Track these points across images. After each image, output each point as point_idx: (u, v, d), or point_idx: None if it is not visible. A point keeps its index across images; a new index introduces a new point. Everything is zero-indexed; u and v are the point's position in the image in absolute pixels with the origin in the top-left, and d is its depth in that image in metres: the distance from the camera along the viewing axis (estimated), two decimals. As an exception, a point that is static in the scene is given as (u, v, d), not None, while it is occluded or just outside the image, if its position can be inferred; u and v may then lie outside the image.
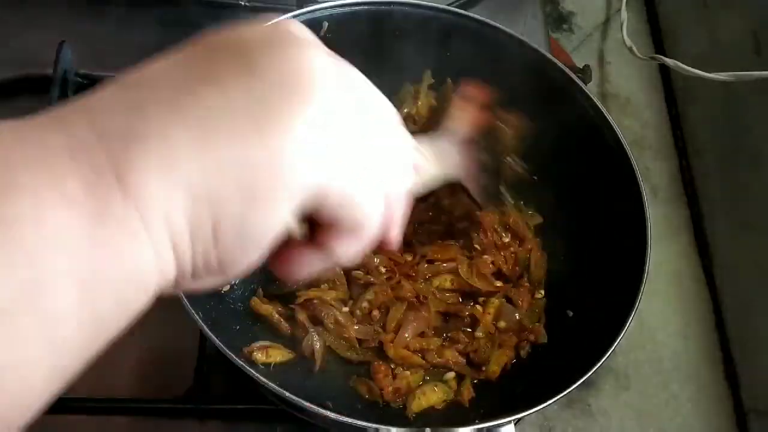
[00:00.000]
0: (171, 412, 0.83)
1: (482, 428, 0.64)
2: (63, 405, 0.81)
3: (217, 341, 0.66)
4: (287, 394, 0.64)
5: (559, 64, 0.85)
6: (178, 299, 0.64)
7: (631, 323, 0.70)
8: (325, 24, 0.84)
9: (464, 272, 0.81)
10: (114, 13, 1.07)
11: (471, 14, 0.87)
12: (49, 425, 0.81)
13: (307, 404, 0.64)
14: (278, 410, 0.84)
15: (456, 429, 0.65)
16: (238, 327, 0.79)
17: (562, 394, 0.66)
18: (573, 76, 0.83)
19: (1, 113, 1.05)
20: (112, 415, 0.82)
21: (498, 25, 0.86)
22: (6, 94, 0.98)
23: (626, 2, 1.16)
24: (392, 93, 0.95)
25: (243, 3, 1.10)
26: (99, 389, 0.81)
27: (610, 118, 0.81)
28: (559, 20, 1.22)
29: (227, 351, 0.66)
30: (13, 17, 1.04)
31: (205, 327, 0.67)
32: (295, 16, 0.82)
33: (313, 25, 0.83)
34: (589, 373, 0.67)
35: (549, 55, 0.85)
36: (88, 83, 1.00)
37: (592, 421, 0.92)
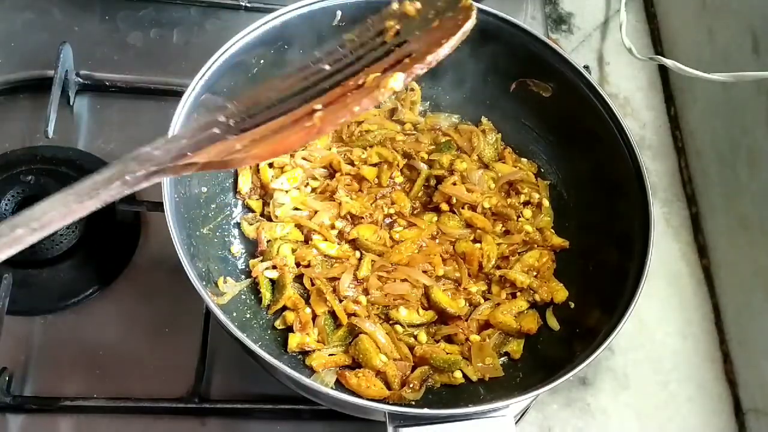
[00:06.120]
0: (171, 411, 0.83)
1: (487, 411, 0.67)
2: (65, 405, 0.81)
3: (244, 336, 0.67)
4: (295, 375, 0.66)
5: (572, 61, 0.86)
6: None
7: (630, 315, 0.71)
8: (339, 13, 0.84)
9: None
10: (114, 14, 1.07)
11: (487, 8, 0.86)
12: (49, 425, 0.82)
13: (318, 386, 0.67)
14: (277, 410, 0.85)
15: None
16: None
17: (557, 382, 0.68)
18: (587, 74, 0.85)
19: (2, 113, 1.05)
20: (114, 415, 0.83)
21: (519, 22, 0.87)
22: (7, 93, 0.99)
23: (625, 3, 1.16)
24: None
25: (244, 4, 1.10)
26: (100, 389, 0.82)
27: (626, 126, 0.82)
28: (558, 21, 1.22)
29: (239, 333, 0.67)
30: (14, 18, 1.04)
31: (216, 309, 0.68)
32: (308, 5, 0.81)
33: (327, 14, 0.83)
34: (586, 362, 0.69)
35: (562, 51, 0.86)
36: (88, 83, 1.00)
37: (592, 421, 0.93)
